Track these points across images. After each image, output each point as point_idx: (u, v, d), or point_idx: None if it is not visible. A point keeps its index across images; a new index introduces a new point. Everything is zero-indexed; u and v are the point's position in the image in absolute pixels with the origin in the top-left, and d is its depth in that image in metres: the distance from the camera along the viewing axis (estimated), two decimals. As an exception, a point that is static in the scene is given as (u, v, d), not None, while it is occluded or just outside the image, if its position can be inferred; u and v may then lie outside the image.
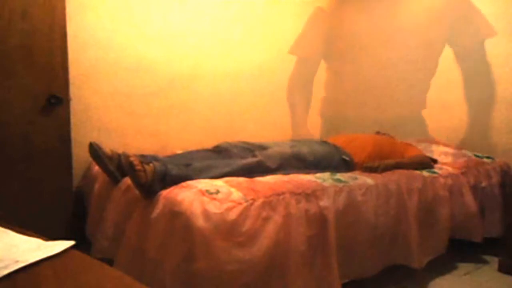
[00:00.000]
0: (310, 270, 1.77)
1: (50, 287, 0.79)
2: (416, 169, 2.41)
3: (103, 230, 2.01)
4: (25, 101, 2.12)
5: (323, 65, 3.85)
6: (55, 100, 2.19)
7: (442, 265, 2.40)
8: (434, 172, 2.42)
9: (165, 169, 1.81)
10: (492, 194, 2.60)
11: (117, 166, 2.10)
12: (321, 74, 3.85)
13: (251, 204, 1.65)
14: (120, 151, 2.20)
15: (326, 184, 1.95)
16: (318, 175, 2.11)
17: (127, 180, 1.94)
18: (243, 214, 1.61)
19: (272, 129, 3.49)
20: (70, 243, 0.95)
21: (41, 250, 0.90)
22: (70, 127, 2.29)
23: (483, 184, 2.58)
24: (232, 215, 1.58)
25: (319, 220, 1.81)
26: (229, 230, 1.57)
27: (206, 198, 1.62)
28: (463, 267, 2.45)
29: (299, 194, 1.81)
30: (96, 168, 2.27)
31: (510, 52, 2.87)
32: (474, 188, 2.51)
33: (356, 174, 2.22)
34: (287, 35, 3.56)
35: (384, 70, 3.61)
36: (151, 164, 1.81)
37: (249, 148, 2.28)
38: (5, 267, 0.81)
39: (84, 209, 2.39)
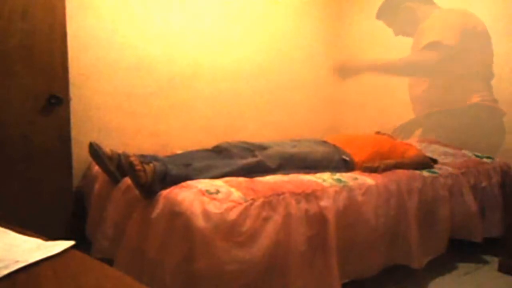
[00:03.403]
0: (310, 270, 1.77)
1: (50, 287, 0.79)
2: (416, 169, 2.40)
3: (103, 230, 2.01)
4: (25, 101, 2.12)
5: (323, 64, 3.84)
6: (55, 100, 2.19)
7: (442, 265, 2.40)
8: (434, 172, 2.41)
9: (165, 169, 1.81)
10: (492, 194, 2.60)
11: (117, 166, 2.10)
12: (321, 74, 3.84)
13: (251, 204, 1.65)
14: (120, 151, 2.20)
15: (326, 184, 1.95)
16: (318, 175, 2.11)
17: (127, 180, 1.94)
18: (243, 214, 1.61)
19: (272, 129, 3.49)
20: (70, 243, 0.95)
21: (41, 250, 0.90)
22: (70, 127, 2.29)
23: (483, 184, 2.58)
24: (232, 215, 1.58)
25: (319, 220, 1.81)
26: (229, 230, 1.57)
27: (206, 198, 1.62)
28: (463, 267, 2.45)
29: (299, 194, 1.81)
30: (96, 168, 2.27)
31: (510, 52, 2.87)
32: (474, 188, 2.51)
33: (356, 174, 2.22)
34: (287, 35, 3.56)
35: (384, 71, 3.61)
36: (151, 164, 1.81)
37: (249, 148, 2.28)
38: (5, 267, 0.81)
39: (84, 209, 2.39)
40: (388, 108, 3.60)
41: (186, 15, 2.96)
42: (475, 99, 3.05)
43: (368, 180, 2.11)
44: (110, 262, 1.78)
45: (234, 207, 1.61)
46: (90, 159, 2.21)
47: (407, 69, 3.44)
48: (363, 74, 3.74)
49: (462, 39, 3.07)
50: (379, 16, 3.64)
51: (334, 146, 2.53)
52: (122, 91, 2.71)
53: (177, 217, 1.61)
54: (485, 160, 2.78)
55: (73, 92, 2.38)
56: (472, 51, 3.04)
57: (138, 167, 1.74)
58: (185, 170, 1.91)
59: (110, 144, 2.39)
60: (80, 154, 2.43)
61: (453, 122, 3.18)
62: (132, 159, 1.78)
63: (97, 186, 2.25)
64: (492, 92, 2.95)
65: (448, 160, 2.73)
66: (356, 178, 2.10)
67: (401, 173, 2.28)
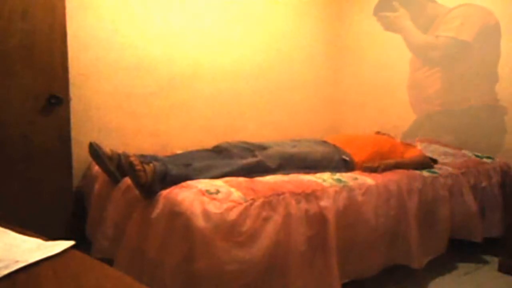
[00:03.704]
0: (310, 270, 1.77)
1: (50, 287, 0.79)
2: (416, 169, 2.41)
3: (103, 230, 2.01)
4: (25, 101, 2.12)
5: (323, 64, 3.84)
6: (55, 100, 2.19)
7: (442, 265, 2.40)
8: (434, 172, 2.41)
9: (165, 169, 1.81)
10: (492, 194, 2.60)
11: (117, 166, 2.10)
12: (321, 74, 3.84)
13: (251, 204, 1.65)
14: (120, 151, 2.20)
15: (326, 184, 1.95)
16: (318, 175, 2.11)
17: (127, 180, 1.94)
18: (243, 214, 1.61)
19: (272, 129, 3.49)
20: (70, 243, 0.95)
21: (41, 250, 0.90)
22: (70, 127, 2.29)
23: (483, 184, 2.57)
24: (232, 215, 1.58)
25: (319, 220, 1.81)
26: (229, 230, 1.57)
27: (206, 198, 1.62)
28: (463, 267, 2.45)
29: (299, 194, 1.81)
30: (96, 168, 2.27)
31: (510, 52, 2.87)
32: (474, 188, 2.51)
33: (356, 174, 2.22)
34: (287, 35, 3.56)
35: (384, 71, 3.61)
36: (151, 164, 1.81)
37: (249, 148, 2.28)
38: (5, 267, 0.81)
39: (84, 209, 2.39)
40: (388, 108, 3.60)
41: (186, 15, 2.96)
42: (479, 97, 3.03)
43: (368, 180, 2.11)
44: (110, 262, 1.78)
45: (234, 207, 1.61)
46: (90, 159, 2.21)
47: (423, 51, 3.33)
48: (395, 30, 3.56)
49: (478, 37, 3.00)
50: (376, 12, 3.61)
51: (334, 146, 2.53)
52: (122, 91, 2.71)
53: (177, 217, 1.61)
54: (485, 160, 2.78)
55: (73, 92, 2.38)
56: (482, 49, 2.99)
57: (138, 167, 1.74)
58: (185, 170, 1.91)
59: (110, 144, 2.39)
60: (80, 154, 2.42)
61: (454, 122, 3.18)
62: (132, 159, 1.78)
63: (97, 186, 2.25)
64: (495, 91, 2.94)
65: (448, 160, 2.73)
66: (356, 178, 2.10)
67: (401, 173, 2.28)
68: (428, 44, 3.30)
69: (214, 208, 1.58)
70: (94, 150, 2.09)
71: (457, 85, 3.15)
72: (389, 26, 3.57)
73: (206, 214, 1.56)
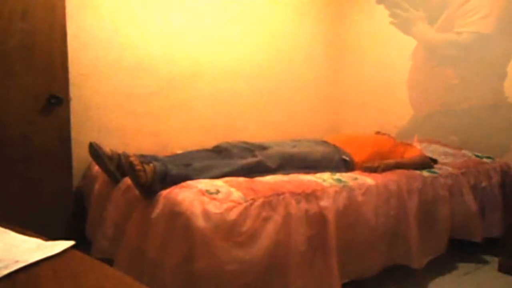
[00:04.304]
0: (310, 270, 1.78)
1: (50, 287, 0.79)
2: (416, 169, 2.40)
3: (103, 230, 2.01)
4: (25, 101, 2.12)
5: (323, 64, 3.84)
6: (55, 100, 2.19)
7: (442, 265, 2.40)
8: (434, 172, 2.41)
9: (165, 169, 1.82)
10: (492, 194, 2.60)
11: (117, 166, 2.10)
12: (321, 74, 3.84)
13: (251, 204, 1.65)
14: (120, 151, 2.20)
15: (326, 184, 1.95)
16: (318, 175, 2.11)
17: (127, 180, 1.94)
18: (243, 214, 1.61)
19: (272, 129, 3.50)
20: (70, 243, 0.95)
21: (41, 250, 0.90)
22: (70, 127, 2.29)
23: (483, 184, 2.57)
24: (232, 215, 1.58)
25: (319, 220, 1.81)
26: (229, 230, 1.57)
27: (206, 198, 1.62)
28: (463, 267, 2.45)
29: (299, 194, 1.81)
30: (96, 168, 2.27)
31: (511, 52, 2.86)
32: (474, 188, 2.51)
33: (356, 174, 2.22)
34: (287, 35, 3.56)
35: (385, 70, 3.61)
36: (151, 164, 1.81)
37: (249, 148, 2.28)
38: (5, 267, 0.81)
39: (84, 209, 2.39)
40: (388, 108, 3.60)
41: (186, 15, 2.96)
42: (482, 96, 3.01)
43: (368, 180, 2.11)
44: (110, 262, 1.78)
45: (234, 207, 1.61)
46: (90, 159, 2.21)
47: (441, 49, 3.23)
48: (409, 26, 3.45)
49: (496, 29, 2.91)
50: (380, 0, 3.59)
51: (334, 146, 2.53)
52: (122, 91, 2.71)
53: (177, 217, 1.61)
54: (485, 160, 2.78)
55: (73, 92, 2.38)
56: (498, 43, 2.91)
57: (138, 167, 1.74)
58: (185, 170, 1.91)
59: (110, 144, 2.39)
60: (80, 154, 2.42)
61: (453, 122, 3.18)
62: (132, 159, 1.78)
63: (97, 186, 2.25)
64: (503, 89, 2.92)
65: (448, 160, 2.73)
66: (356, 178, 2.10)
67: (401, 173, 2.28)
68: (447, 42, 3.17)
69: (214, 208, 1.58)
70: (94, 150, 2.09)
71: (458, 85, 3.14)
72: (401, 20, 3.46)
73: (206, 214, 1.56)
